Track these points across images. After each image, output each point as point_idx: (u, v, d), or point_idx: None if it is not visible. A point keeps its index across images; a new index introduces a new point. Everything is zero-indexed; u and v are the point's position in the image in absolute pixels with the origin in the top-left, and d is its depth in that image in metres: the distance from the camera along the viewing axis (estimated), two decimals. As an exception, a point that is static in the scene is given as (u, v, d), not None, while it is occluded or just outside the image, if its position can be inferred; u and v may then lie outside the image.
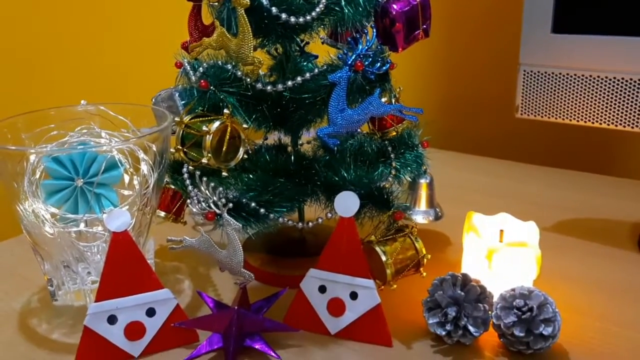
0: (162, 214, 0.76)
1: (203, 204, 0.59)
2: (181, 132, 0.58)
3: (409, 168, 0.76)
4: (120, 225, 0.59)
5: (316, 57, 0.72)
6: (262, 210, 0.61)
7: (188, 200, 0.61)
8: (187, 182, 0.70)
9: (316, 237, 0.79)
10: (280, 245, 0.77)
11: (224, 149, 0.57)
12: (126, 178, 0.65)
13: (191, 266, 0.76)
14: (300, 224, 0.63)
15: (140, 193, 0.66)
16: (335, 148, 0.61)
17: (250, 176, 0.69)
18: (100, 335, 0.58)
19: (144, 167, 0.67)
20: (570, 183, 1.01)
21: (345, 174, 0.66)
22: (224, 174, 0.59)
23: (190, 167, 0.60)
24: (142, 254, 0.60)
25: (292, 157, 0.73)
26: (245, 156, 0.60)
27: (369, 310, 0.60)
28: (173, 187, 0.76)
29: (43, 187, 0.64)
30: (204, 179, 0.58)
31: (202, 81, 0.56)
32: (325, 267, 0.62)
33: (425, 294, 0.61)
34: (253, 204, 0.61)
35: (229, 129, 0.57)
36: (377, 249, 0.60)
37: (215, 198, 0.58)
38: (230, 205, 0.58)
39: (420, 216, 0.79)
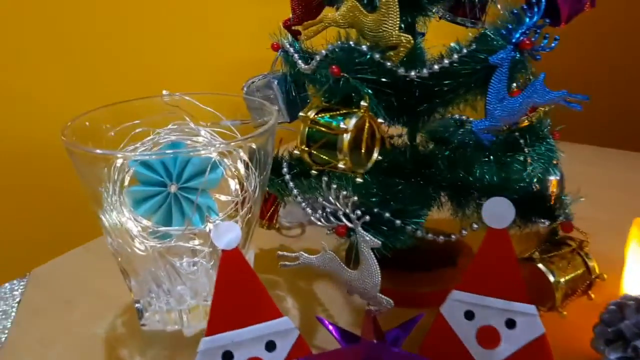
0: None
1: (331, 216, 0.49)
2: (306, 130, 0.47)
3: (540, 162, 0.65)
4: (230, 241, 0.50)
5: (423, 34, 0.61)
6: (397, 221, 0.50)
7: (308, 210, 0.51)
8: (290, 184, 0.60)
9: (430, 245, 0.68)
10: (398, 258, 0.67)
11: (362, 150, 0.46)
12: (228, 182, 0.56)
13: (289, 280, 0.66)
14: (441, 237, 0.52)
15: (245, 200, 0.56)
16: (489, 143, 0.50)
17: (366, 178, 0.59)
18: (212, 375, 0.48)
19: (242, 168, 0.56)
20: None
21: (485, 175, 0.56)
22: (358, 179, 0.48)
23: (314, 171, 0.49)
24: (256, 275, 0.50)
25: (408, 153, 0.62)
26: (380, 157, 0.49)
27: (531, 341, 0.50)
28: (266, 189, 0.66)
29: (130, 195, 0.55)
30: (333, 185, 0.48)
31: (333, 67, 0.45)
32: (472, 288, 0.51)
33: (592, 319, 0.50)
34: (387, 214, 0.50)
35: (367, 125, 0.46)
36: (543, 268, 0.49)
37: (347, 209, 0.48)
38: (367, 218, 0.48)
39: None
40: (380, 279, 0.49)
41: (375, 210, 0.50)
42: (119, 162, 0.53)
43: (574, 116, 0.55)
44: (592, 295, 0.51)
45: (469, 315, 0.52)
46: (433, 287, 0.61)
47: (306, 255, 0.52)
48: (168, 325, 0.59)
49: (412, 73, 0.47)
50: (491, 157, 0.60)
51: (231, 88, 0.65)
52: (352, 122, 0.45)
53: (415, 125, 0.60)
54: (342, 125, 0.45)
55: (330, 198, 0.48)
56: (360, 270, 0.49)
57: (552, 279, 0.49)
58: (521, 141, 0.62)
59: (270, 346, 0.50)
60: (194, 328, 0.58)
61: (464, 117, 0.70)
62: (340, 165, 0.45)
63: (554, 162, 0.67)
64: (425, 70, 0.47)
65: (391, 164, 0.61)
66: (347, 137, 0.45)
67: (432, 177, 0.60)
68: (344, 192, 0.47)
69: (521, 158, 0.61)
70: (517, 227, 0.55)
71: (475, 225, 0.52)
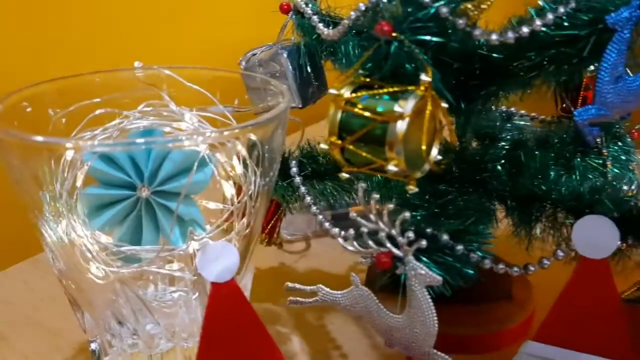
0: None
1: (369, 239, 0.34)
2: (339, 114, 0.32)
3: (615, 167, 0.52)
4: (223, 270, 0.35)
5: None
6: (459, 247, 0.36)
7: (328, 226, 0.36)
8: (302, 189, 0.45)
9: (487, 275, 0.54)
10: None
11: (423, 145, 0.32)
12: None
13: (294, 312, 0.52)
14: (515, 268, 0.38)
15: (244, 209, 0.41)
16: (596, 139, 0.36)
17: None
18: None
19: (238, 167, 0.42)
20: None
21: (566, 182, 0.42)
22: (411, 187, 0.34)
23: (344, 173, 0.35)
24: (258, 317, 0.36)
25: (453, 153, 0.48)
26: (440, 157, 0.35)
27: (638, 415, 0.36)
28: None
29: (84, 200, 0.40)
30: (375, 195, 0.33)
31: (383, 23, 0.31)
32: (551, 339, 0.38)
33: None
34: (445, 237, 0.36)
35: (428, 109, 0.32)
36: (661, 315, 0.36)
37: (393, 229, 0.34)
38: (423, 243, 0.33)
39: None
40: (437, 328, 0.35)
41: (428, 230, 0.36)
42: (69, 154, 0.38)
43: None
44: None
45: (550, 375, 0.38)
46: (484, 328, 0.47)
47: (327, 290, 0.38)
48: (134, 374, 0.44)
49: (494, 37, 0.33)
50: (559, 159, 0.46)
51: (224, 63, 0.50)
52: (410, 104, 0.30)
53: (469, 115, 0.46)
54: (395, 108, 0.30)
55: (371, 213, 0.34)
56: (408, 315, 0.35)
57: (674, 331, 0.36)
58: (598, 139, 0.49)
59: (277, 418, 0.35)
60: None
61: (512, 109, 0.57)
62: (391, 166, 0.31)
63: (630, 166, 0.54)
64: (510, 34, 0.33)
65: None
66: (402, 125, 0.30)
67: (486, 184, 0.46)
68: (390, 205, 0.33)
69: (598, 162, 0.48)
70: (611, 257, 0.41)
71: (560, 253, 0.38)
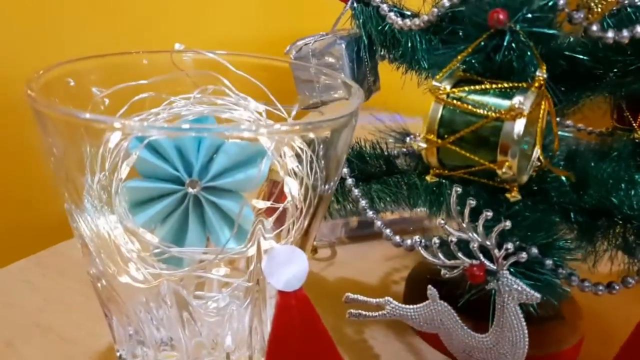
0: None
1: (458, 250, 0.31)
2: (442, 110, 0.29)
3: None
4: (292, 278, 0.31)
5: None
6: (548, 261, 0.33)
7: (389, 233, 0.33)
8: (355, 192, 0.42)
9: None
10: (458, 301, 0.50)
11: (537, 147, 0.29)
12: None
13: (332, 324, 0.48)
14: (600, 287, 0.35)
15: (300, 212, 0.37)
16: None
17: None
18: None
19: (296, 168, 0.38)
20: None
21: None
22: (514, 195, 0.30)
23: (430, 177, 0.32)
24: (328, 332, 0.32)
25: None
26: (538, 163, 0.32)
27: None
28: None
29: (128, 193, 0.35)
30: (472, 202, 0.30)
31: (498, 11, 0.28)
32: (636, 363, 0.35)
33: None
34: (534, 251, 0.33)
35: (543, 108, 0.29)
36: None
37: (489, 241, 0.30)
38: (524, 255, 0.30)
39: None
40: (526, 352, 0.31)
41: (516, 242, 0.33)
42: (115, 138, 0.34)
43: None
44: None
45: (632, 404, 0.35)
46: (541, 350, 0.44)
47: (396, 303, 0.34)
48: (167, 390, 0.39)
49: (610, 34, 0.30)
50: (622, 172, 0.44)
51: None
52: (529, 101, 0.27)
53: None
54: (515, 104, 0.27)
55: (464, 222, 0.31)
56: (495, 334, 0.32)
57: None
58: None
59: None
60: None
61: (569, 121, 0.54)
62: (504, 169, 0.28)
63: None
64: (625, 33, 0.30)
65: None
66: (520, 124, 0.27)
67: (546, 196, 0.43)
68: (489, 213, 0.30)
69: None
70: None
71: (631, 281, 0.35)
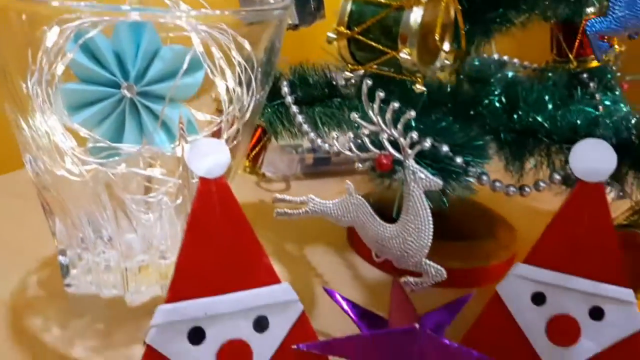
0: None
1: (367, 141, 0.33)
2: (351, 3, 0.31)
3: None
4: (213, 166, 0.33)
5: None
6: (458, 159, 0.35)
7: (312, 132, 0.35)
8: (294, 109, 0.44)
9: (457, 211, 0.54)
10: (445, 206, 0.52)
11: (437, 36, 0.31)
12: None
13: (274, 240, 0.50)
14: (512, 188, 0.37)
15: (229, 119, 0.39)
16: (601, 55, 0.36)
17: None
18: (173, 363, 0.32)
19: (230, 79, 0.40)
20: None
21: (564, 114, 0.42)
22: (419, 87, 0.32)
23: (347, 72, 0.33)
24: (246, 218, 0.34)
25: (449, 87, 0.47)
26: (447, 62, 0.34)
27: (624, 339, 0.36)
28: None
29: (65, 95, 0.37)
30: (380, 94, 0.32)
31: None
32: (544, 262, 0.37)
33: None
34: (445, 148, 0.35)
35: (444, 0, 0.30)
36: (653, 238, 0.36)
37: (395, 131, 0.32)
38: (427, 144, 0.32)
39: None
40: (431, 238, 0.34)
41: (429, 141, 0.35)
42: (52, 36, 0.35)
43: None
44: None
45: (538, 298, 0.37)
46: (469, 263, 0.46)
47: (318, 200, 0.36)
48: (104, 288, 0.41)
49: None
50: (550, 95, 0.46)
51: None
52: (426, -10, 0.29)
53: (468, 45, 0.45)
54: (410, -8, 0.29)
55: (371, 112, 0.33)
56: (402, 223, 0.34)
57: (665, 254, 0.35)
58: (591, 84, 0.49)
59: (261, 324, 0.34)
60: (142, 295, 0.41)
61: (505, 57, 0.56)
62: (403, 54, 0.30)
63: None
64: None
65: (429, 100, 0.47)
66: (418, 13, 0.29)
67: (481, 119, 0.45)
68: (396, 104, 0.32)
69: (591, 106, 0.48)
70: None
71: (557, 176, 0.37)
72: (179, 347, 0.32)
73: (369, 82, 0.32)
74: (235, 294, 0.33)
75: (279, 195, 0.38)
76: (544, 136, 0.42)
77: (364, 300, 0.43)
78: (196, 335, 0.32)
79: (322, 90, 0.47)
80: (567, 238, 0.37)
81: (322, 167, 0.64)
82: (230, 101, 0.39)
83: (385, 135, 0.33)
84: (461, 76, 0.47)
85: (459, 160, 0.35)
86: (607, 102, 0.52)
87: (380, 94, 0.32)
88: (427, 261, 0.34)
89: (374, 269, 0.47)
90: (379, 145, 0.33)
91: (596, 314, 0.36)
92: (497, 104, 0.46)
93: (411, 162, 0.33)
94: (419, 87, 0.32)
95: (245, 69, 0.39)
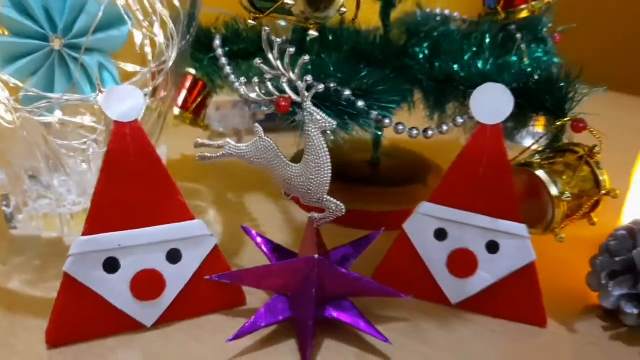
0: (176, 110, 0.53)
1: (269, 85, 0.35)
2: (244, -47, 0.33)
3: (537, 69, 0.54)
4: (127, 110, 0.36)
5: None
6: (360, 103, 0.38)
7: (237, 81, 0.37)
8: (223, 60, 0.46)
9: (394, 160, 0.56)
10: (344, 169, 0.55)
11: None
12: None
13: (216, 190, 0.53)
14: (415, 131, 0.39)
15: (155, 70, 0.41)
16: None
17: (323, 57, 0.45)
18: (90, 289, 0.35)
19: (158, 30, 0.42)
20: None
21: (480, 62, 0.44)
22: (312, 32, 0.35)
23: (250, 20, 0.36)
24: (161, 159, 0.37)
25: (378, 39, 0.49)
26: (344, 9, 0.36)
27: (517, 271, 0.39)
28: (193, 72, 0.52)
29: (-3, 48, 0.39)
30: (276, 39, 0.34)
31: None
32: (446, 200, 0.40)
33: (574, 251, 0.40)
34: (347, 92, 0.37)
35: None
36: (544, 176, 0.38)
37: (293, 75, 0.35)
38: (321, 87, 0.35)
39: (529, 138, 0.57)
40: (330, 175, 0.36)
41: (332, 86, 0.37)
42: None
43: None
44: (595, 219, 0.40)
45: (441, 234, 0.40)
46: (398, 206, 0.49)
47: (234, 144, 0.39)
48: (45, 231, 0.44)
49: None
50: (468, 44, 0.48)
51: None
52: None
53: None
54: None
55: (271, 57, 0.35)
56: (304, 162, 0.36)
57: (554, 191, 0.37)
58: (518, 35, 0.50)
59: (174, 256, 0.37)
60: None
61: (447, 11, 0.58)
62: (289, 1, 0.32)
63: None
64: None
65: (356, 50, 0.49)
66: (301, -40, 0.31)
67: (407, 69, 0.47)
68: (291, 49, 0.34)
69: (516, 58, 0.50)
70: (512, 130, 0.43)
71: (459, 120, 0.39)
72: (94, 275, 0.35)
73: (268, 29, 0.35)
74: (149, 228, 0.36)
75: (200, 140, 0.40)
76: (460, 84, 0.45)
77: (294, 241, 0.46)
78: (111, 265, 0.35)
79: (254, 44, 0.49)
80: (467, 177, 0.39)
81: (273, 122, 0.66)
82: (153, 52, 0.42)
83: (285, 79, 0.35)
84: (387, 27, 0.48)
85: (360, 103, 0.37)
86: (539, 54, 0.54)
87: (278, 40, 0.34)
88: (328, 197, 0.37)
89: (306, 214, 0.50)
90: (282, 90, 0.35)
91: (492, 247, 0.39)
92: (421, 55, 0.48)
93: (308, 104, 0.35)
94: (312, 33, 0.35)
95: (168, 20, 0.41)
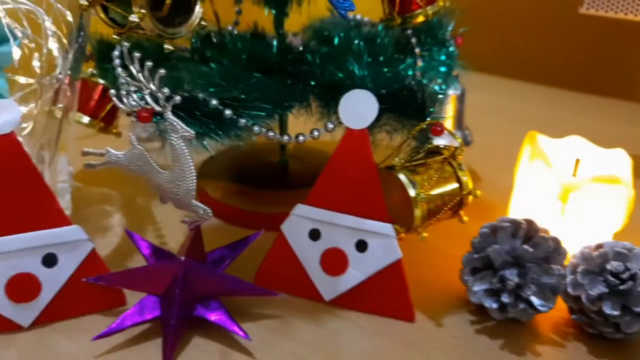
0: (86, 119, 0.54)
1: (135, 96, 0.37)
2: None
3: (435, 72, 0.55)
4: (3, 123, 0.38)
5: None
6: (227, 111, 0.39)
7: (111, 91, 0.39)
8: (118, 70, 0.48)
9: (301, 162, 0.58)
10: (252, 172, 0.56)
11: (167, 1, 0.35)
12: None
13: (127, 195, 0.55)
14: (286, 137, 0.41)
15: (47, 81, 0.43)
16: (347, 14, 0.39)
17: (212, 66, 0.47)
18: (-35, 293, 0.37)
19: (52, 43, 0.44)
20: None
21: (356, 68, 0.45)
22: (167, 46, 0.36)
23: (115, 35, 0.37)
24: (37, 169, 0.39)
25: (275, 46, 0.51)
26: (204, 23, 0.37)
27: (384, 268, 0.41)
28: (102, 82, 0.54)
29: None
30: (136, 54, 0.36)
31: None
32: (319, 202, 0.41)
33: (465, 247, 0.41)
34: (214, 102, 0.39)
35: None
36: (403, 177, 0.40)
37: (154, 86, 0.37)
38: (178, 98, 0.36)
39: (443, 140, 0.58)
40: (195, 182, 0.38)
41: (201, 95, 0.39)
42: None
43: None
44: (465, 218, 0.42)
45: (315, 234, 0.42)
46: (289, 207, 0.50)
47: (114, 152, 0.41)
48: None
49: None
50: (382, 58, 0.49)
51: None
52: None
53: (282, 7, 0.49)
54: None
55: (133, 69, 0.37)
56: (172, 170, 0.38)
57: (412, 192, 0.39)
58: (413, 40, 0.52)
59: (50, 260, 0.38)
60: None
61: (359, 16, 0.59)
62: (133, 18, 0.34)
63: (454, 73, 0.58)
64: None
65: (256, 57, 0.50)
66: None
67: (303, 74, 0.49)
68: (149, 63, 0.36)
69: (411, 61, 0.51)
70: (386, 132, 0.45)
71: (330, 125, 0.41)
72: (-32, 280, 0.37)
73: (127, 44, 0.36)
74: (23, 234, 0.38)
75: (85, 149, 0.42)
76: (344, 89, 0.46)
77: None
78: (-15, 270, 0.37)
79: (154, 54, 0.51)
80: (337, 180, 0.41)
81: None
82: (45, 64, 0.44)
83: (147, 91, 0.37)
84: (281, 35, 0.50)
85: (227, 112, 0.39)
86: (443, 57, 0.56)
87: (137, 54, 0.36)
88: (196, 203, 0.39)
89: (217, 220, 0.52)
90: (144, 100, 0.37)
91: (361, 246, 0.41)
92: (317, 61, 0.49)
93: (169, 114, 0.37)
94: (168, 47, 0.36)
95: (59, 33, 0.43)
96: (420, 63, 0.52)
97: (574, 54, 0.89)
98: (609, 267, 0.37)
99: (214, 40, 0.51)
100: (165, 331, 0.37)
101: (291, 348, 0.38)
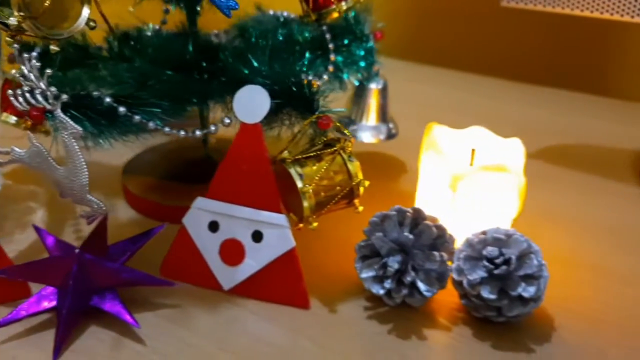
0: (13, 119, 0.56)
1: (28, 95, 0.39)
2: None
3: (354, 66, 0.57)
4: None
5: None
6: (121, 109, 0.41)
7: (9, 92, 0.40)
8: (24, 70, 0.49)
9: (222, 155, 0.59)
10: (177, 168, 0.58)
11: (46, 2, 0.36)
12: None
13: (53, 192, 0.56)
14: (182, 132, 0.43)
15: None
16: (230, 13, 0.40)
17: (125, 65, 0.49)
18: None
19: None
20: (557, 103, 0.83)
21: (257, 64, 0.47)
22: (53, 47, 0.38)
23: (7, 38, 0.39)
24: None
25: (190, 43, 0.52)
26: (93, 24, 0.39)
27: (279, 257, 0.42)
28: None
29: None
30: (26, 55, 0.37)
31: None
32: (218, 195, 0.43)
33: (360, 236, 0.43)
34: (108, 100, 0.41)
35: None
36: (292, 170, 0.41)
37: (43, 85, 0.38)
38: (65, 97, 0.38)
39: (368, 133, 0.60)
40: (87, 178, 0.39)
41: (95, 93, 0.41)
42: None
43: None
44: (360, 207, 0.43)
45: (213, 226, 0.43)
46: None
47: (18, 150, 0.42)
48: None
49: None
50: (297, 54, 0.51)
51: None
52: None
53: (193, 5, 0.50)
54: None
55: (24, 69, 0.38)
56: (66, 167, 0.40)
57: (299, 184, 0.40)
58: (327, 36, 0.53)
59: (-50, 255, 0.40)
60: None
61: (285, 13, 0.61)
62: (12, 21, 0.35)
63: (375, 68, 0.59)
64: None
65: (172, 54, 0.52)
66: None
67: (216, 71, 0.50)
68: (36, 63, 0.37)
69: (331, 57, 0.52)
70: (286, 127, 0.46)
71: (227, 120, 0.43)
72: None
73: (17, 46, 0.38)
74: None
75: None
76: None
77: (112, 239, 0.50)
78: None
79: (77, 54, 0.52)
80: (234, 173, 0.42)
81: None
82: None
83: (39, 91, 0.38)
84: (195, 33, 0.52)
85: (121, 109, 0.41)
86: (362, 52, 0.57)
87: (33, 54, 0.38)
88: (90, 197, 0.40)
89: (139, 215, 0.53)
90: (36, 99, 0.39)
91: (257, 237, 0.42)
92: (230, 58, 0.51)
93: (58, 112, 0.38)
94: (53, 48, 0.38)
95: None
96: (333, 58, 0.53)
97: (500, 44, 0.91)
98: (484, 252, 0.39)
99: (131, 40, 0.52)
100: (58, 320, 0.38)
101: (183, 336, 0.40)
